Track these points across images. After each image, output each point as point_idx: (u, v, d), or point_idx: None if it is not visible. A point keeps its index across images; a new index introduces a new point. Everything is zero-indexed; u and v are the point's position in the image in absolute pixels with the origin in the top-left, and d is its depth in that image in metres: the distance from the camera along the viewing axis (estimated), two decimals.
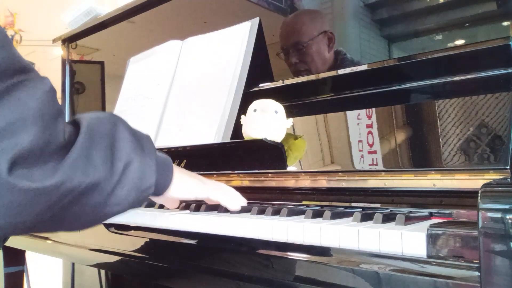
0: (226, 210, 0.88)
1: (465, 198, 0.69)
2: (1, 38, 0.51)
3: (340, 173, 0.85)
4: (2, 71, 0.50)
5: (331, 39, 1.06)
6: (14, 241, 1.37)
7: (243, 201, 0.83)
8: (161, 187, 0.70)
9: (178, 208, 0.98)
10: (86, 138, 0.56)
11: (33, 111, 0.51)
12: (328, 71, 1.06)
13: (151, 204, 1.04)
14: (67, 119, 1.76)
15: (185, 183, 0.76)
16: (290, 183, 0.92)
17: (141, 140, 0.65)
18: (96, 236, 1.02)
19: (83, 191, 0.55)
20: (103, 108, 1.78)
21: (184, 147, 1.10)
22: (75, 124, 0.59)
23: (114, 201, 0.59)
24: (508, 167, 0.66)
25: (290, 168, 0.93)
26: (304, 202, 0.91)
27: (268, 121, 0.92)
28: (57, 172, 0.52)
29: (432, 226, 0.56)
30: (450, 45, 0.90)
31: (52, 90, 0.55)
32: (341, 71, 0.94)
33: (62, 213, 0.55)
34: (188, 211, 0.92)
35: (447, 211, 0.70)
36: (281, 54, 1.15)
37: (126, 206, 0.62)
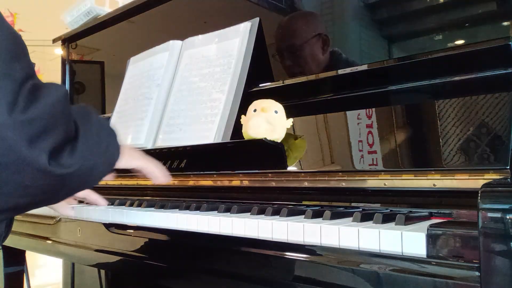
0: (226, 210, 0.88)
1: (465, 198, 0.69)
2: (25, 47, 0.64)
3: (340, 173, 0.85)
4: (30, 75, 0.63)
5: (325, 41, 1.07)
6: (14, 241, 1.37)
7: (168, 178, 0.95)
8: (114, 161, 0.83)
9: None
10: (84, 130, 0.69)
11: (60, 113, 0.65)
12: (323, 71, 1.07)
13: (151, 205, 1.04)
14: None
15: (131, 153, 0.89)
16: (290, 183, 0.92)
17: (106, 126, 0.78)
18: (96, 236, 1.02)
19: (86, 173, 0.69)
20: (103, 108, 1.78)
21: (184, 147, 1.10)
22: None
23: (97, 175, 0.73)
24: (508, 167, 0.66)
25: (290, 168, 0.93)
26: (304, 202, 0.91)
27: (268, 121, 0.92)
28: (75, 160, 0.66)
29: (432, 226, 0.56)
30: (450, 45, 0.90)
31: (67, 93, 0.68)
32: (341, 71, 0.94)
33: (68, 189, 0.70)
34: (188, 211, 0.92)
35: (447, 211, 0.71)
36: (277, 56, 1.15)
37: (101, 178, 0.76)
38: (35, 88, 0.62)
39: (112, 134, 0.78)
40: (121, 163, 0.83)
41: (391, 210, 0.76)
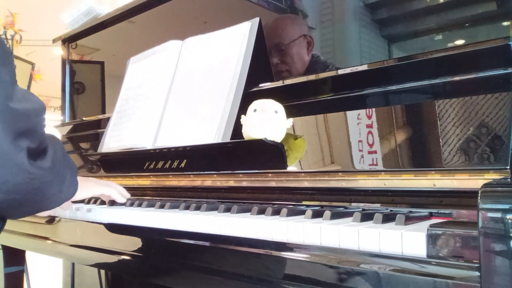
0: (226, 210, 0.88)
1: (465, 198, 0.69)
2: (10, 54, 0.74)
3: (340, 173, 0.85)
4: (15, 81, 0.70)
5: (310, 43, 1.08)
6: (14, 241, 1.37)
7: (127, 195, 1.12)
8: (74, 193, 0.91)
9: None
10: (53, 152, 0.78)
11: (39, 121, 0.74)
12: (306, 73, 1.08)
13: (151, 205, 1.04)
14: (67, 119, 1.79)
15: (85, 186, 0.97)
16: (290, 183, 0.92)
17: (68, 157, 0.88)
18: (96, 236, 1.02)
19: (46, 185, 0.77)
20: (103, 108, 1.78)
21: (184, 147, 1.10)
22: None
23: (53, 195, 0.81)
24: (508, 167, 0.66)
25: (290, 168, 0.93)
26: (304, 202, 0.91)
27: (268, 121, 0.91)
28: (45, 166, 0.75)
29: (432, 226, 0.56)
30: (450, 45, 0.90)
31: (45, 107, 0.77)
32: (341, 71, 0.94)
33: (33, 199, 0.77)
34: (187, 211, 0.92)
35: (447, 211, 0.70)
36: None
37: (57, 201, 0.83)
38: (23, 90, 0.71)
39: (72, 166, 0.87)
40: (81, 195, 0.93)
41: (391, 210, 0.76)
